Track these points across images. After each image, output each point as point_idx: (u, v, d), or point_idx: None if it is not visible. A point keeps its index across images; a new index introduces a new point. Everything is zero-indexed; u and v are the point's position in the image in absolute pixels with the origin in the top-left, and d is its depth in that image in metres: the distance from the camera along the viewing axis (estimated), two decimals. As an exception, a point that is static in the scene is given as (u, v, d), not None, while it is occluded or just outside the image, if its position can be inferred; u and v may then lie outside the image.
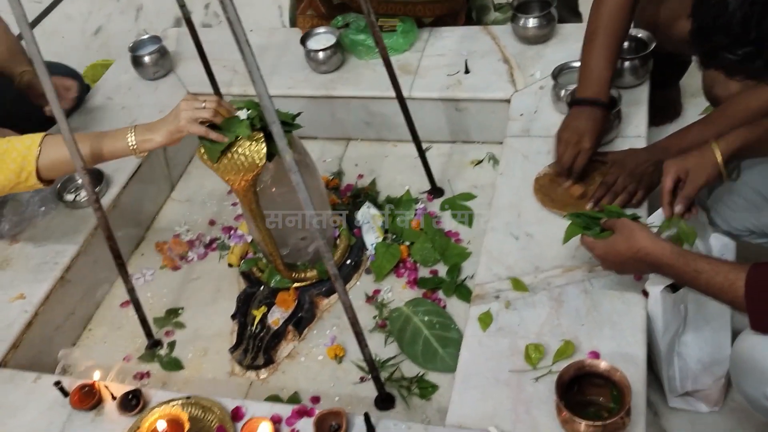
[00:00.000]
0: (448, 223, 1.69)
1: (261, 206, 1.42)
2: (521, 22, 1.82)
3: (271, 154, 1.34)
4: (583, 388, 1.11)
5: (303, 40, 1.94)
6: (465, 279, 1.54)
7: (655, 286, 1.22)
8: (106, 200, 1.71)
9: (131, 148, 1.32)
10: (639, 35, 1.66)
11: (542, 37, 1.84)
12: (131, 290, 1.45)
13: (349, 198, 1.78)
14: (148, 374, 1.52)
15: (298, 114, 1.40)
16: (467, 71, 1.83)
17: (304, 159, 1.46)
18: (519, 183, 1.52)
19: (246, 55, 0.95)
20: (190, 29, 1.72)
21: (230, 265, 1.64)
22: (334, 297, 1.58)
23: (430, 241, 1.62)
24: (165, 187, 1.93)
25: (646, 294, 1.25)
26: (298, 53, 2.01)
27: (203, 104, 1.31)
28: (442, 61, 1.89)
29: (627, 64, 1.62)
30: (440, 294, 1.54)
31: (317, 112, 1.93)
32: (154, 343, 1.56)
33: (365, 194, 1.78)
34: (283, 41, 2.09)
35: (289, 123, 1.35)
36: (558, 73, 1.65)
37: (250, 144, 1.30)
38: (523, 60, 1.82)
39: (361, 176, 1.87)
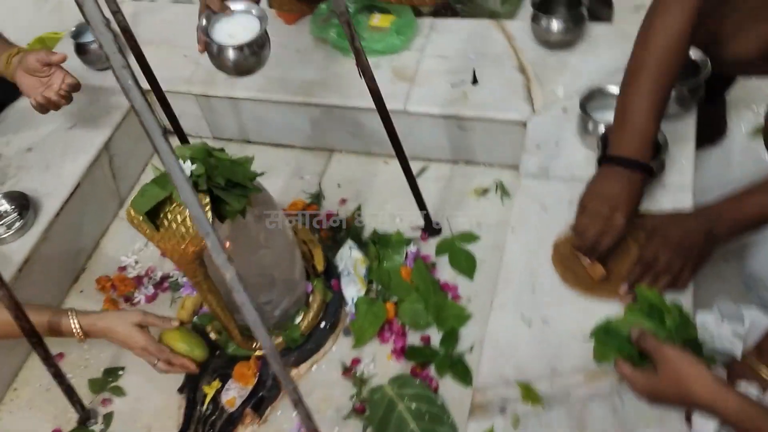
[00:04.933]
0: (445, 271, 1.41)
1: (212, 276, 1.14)
2: (543, 22, 1.48)
3: (222, 216, 1.06)
4: None
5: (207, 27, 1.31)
6: (463, 353, 1.28)
7: (707, 422, 0.95)
8: (36, 229, 1.42)
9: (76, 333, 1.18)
10: (690, 55, 1.34)
11: (568, 43, 1.51)
12: (55, 371, 1.18)
13: (328, 232, 1.49)
14: (79, 455, 1.28)
15: (261, 174, 1.10)
16: (475, 81, 1.51)
17: (267, 216, 1.16)
18: (535, 244, 1.23)
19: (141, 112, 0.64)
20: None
21: (181, 323, 1.36)
22: (305, 367, 1.31)
23: (422, 298, 1.35)
24: (111, 203, 1.64)
25: (689, 419, 0.99)
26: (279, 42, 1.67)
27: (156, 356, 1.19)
28: (445, 65, 1.57)
29: (673, 92, 1.30)
30: (432, 371, 1.27)
31: (294, 117, 1.62)
32: (87, 416, 1.30)
33: (347, 228, 1.49)
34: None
35: (244, 186, 1.05)
36: (587, 98, 1.34)
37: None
38: (543, 70, 1.50)
39: (344, 201, 1.57)
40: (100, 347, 1.41)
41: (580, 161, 1.32)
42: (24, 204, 1.42)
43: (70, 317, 1.17)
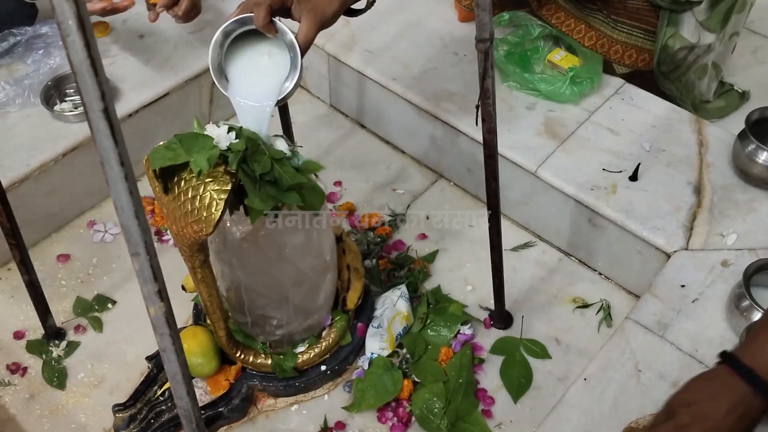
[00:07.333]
0: (490, 375, 1.14)
1: (219, 263, 0.95)
2: (749, 147, 1.14)
3: (245, 207, 0.86)
4: None
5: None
6: (459, 487, 1.02)
7: None
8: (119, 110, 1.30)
9: None
10: None
11: (771, 184, 1.16)
12: (29, 279, 1.05)
13: (389, 264, 1.26)
14: (24, 372, 1.15)
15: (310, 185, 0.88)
16: (634, 177, 1.20)
17: (305, 231, 0.94)
18: (604, 412, 0.93)
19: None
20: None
21: (183, 288, 1.19)
22: (283, 402, 1.11)
23: (446, 394, 1.09)
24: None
25: None
26: (440, 36, 1.45)
27: None
28: (610, 141, 1.26)
29: None
30: (413, 486, 1.03)
31: (416, 123, 1.39)
32: (54, 333, 1.18)
33: (410, 272, 1.25)
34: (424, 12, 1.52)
35: (289, 188, 0.84)
36: (757, 267, 1.00)
37: (205, 187, 0.81)
38: (724, 202, 1.16)
39: (424, 237, 1.33)
40: (107, 267, 1.28)
41: (714, 340, 0.99)
42: (103, 90, 1.30)
43: None
